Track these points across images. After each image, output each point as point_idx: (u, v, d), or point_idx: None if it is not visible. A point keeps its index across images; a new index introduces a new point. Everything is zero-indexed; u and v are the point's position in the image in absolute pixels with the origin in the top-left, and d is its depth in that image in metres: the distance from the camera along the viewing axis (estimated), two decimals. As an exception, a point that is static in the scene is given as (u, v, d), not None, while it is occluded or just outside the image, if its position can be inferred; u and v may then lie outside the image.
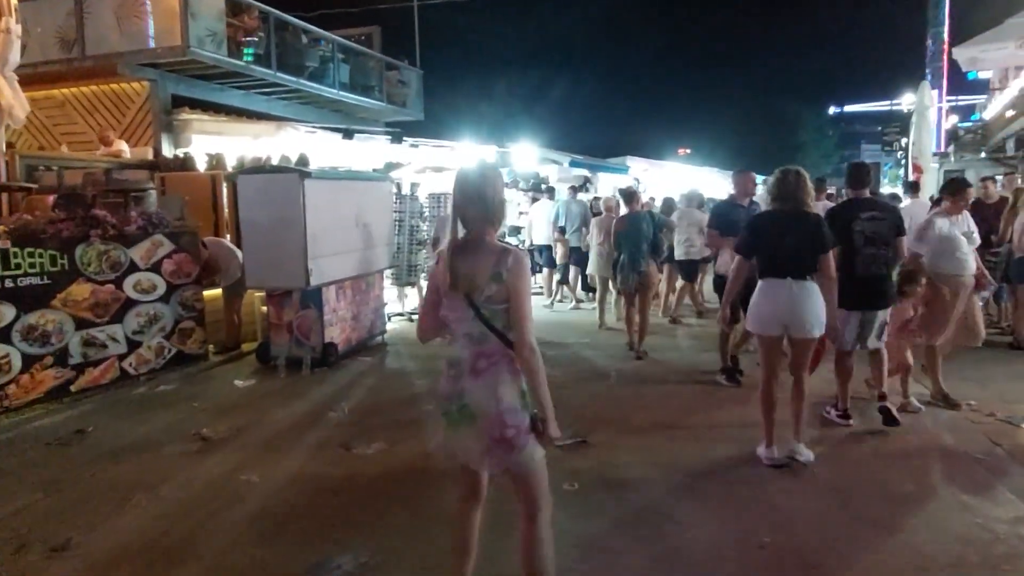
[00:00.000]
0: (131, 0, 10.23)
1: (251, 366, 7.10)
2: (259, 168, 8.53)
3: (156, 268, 6.68)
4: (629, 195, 7.88)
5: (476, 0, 27.57)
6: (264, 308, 7.50)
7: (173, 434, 5.01)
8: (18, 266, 5.47)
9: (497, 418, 2.28)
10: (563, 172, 15.94)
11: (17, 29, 8.27)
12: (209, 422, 5.24)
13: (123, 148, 10.23)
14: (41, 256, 5.65)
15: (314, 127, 11.44)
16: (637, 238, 7.29)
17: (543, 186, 14.00)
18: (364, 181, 8.37)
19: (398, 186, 9.68)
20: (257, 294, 7.71)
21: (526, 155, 14.37)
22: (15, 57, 8.34)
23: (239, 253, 7.38)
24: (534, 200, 12.28)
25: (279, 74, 12.08)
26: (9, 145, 10.11)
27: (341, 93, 13.87)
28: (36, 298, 5.60)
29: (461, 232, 2.40)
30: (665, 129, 48.25)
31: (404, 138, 11.90)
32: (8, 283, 5.40)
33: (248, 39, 11.54)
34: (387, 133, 13.05)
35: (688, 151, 45.12)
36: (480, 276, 2.28)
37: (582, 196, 12.58)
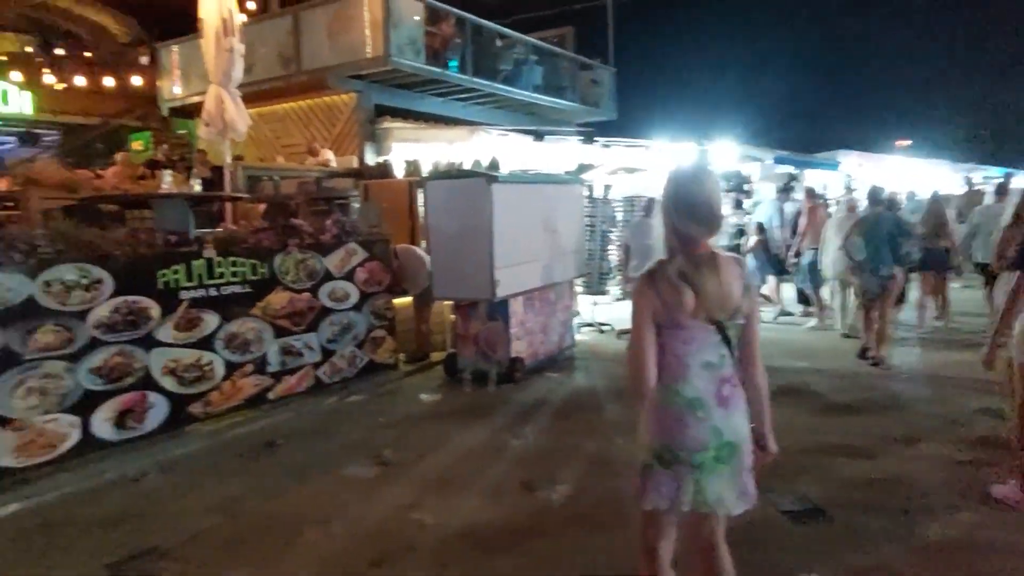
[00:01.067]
0: (339, 15, 10.54)
1: (438, 378, 6.78)
2: (447, 173, 8.28)
3: (349, 277, 6.57)
4: (874, 194, 6.84)
5: (672, -7, 26.18)
6: (452, 317, 7.19)
7: (355, 453, 4.72)
8: (221, 275, 5.52)
9: (748, 444, 2.15)
10: (766, 170, 14.37)
11: (240, 48, 8.69)
12: (391, 442, 4.90)
13: (329, 157, 10.58)
14: (243, 265, 5.67)
15: (506, 130, 11.12)
16: (880, 240, 6.47)
17: (744, 186, 12.61)
18: (555, 184, 7.78)
19: (590, 189, 8.99)
20: (446, 303, 7.43)
21: (726, 152, 13.05)
22: (238, 74, 8.77)
23: (428, 261, 7.11)
24: (737, 203, 10.97)
25: (475, 79, 11.93)
26: (237, 158, 10.87)
27: (534, 95, 13.49)
28: (238, 306, 5.63)
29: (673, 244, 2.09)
30: (879, 118, 42.64)
31: (596, 138, 11.20)
32: (212, 291, 5.46)
33: (447, 46, 11.48)
34: (579, 134, 12.44)
35: (908, 142, 39.53)
36: (733, 293, 2.06)
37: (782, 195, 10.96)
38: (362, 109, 11.09)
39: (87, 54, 19.08)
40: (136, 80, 16.76)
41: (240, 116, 8.82)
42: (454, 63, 11.58)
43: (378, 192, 9.55)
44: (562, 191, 7.65)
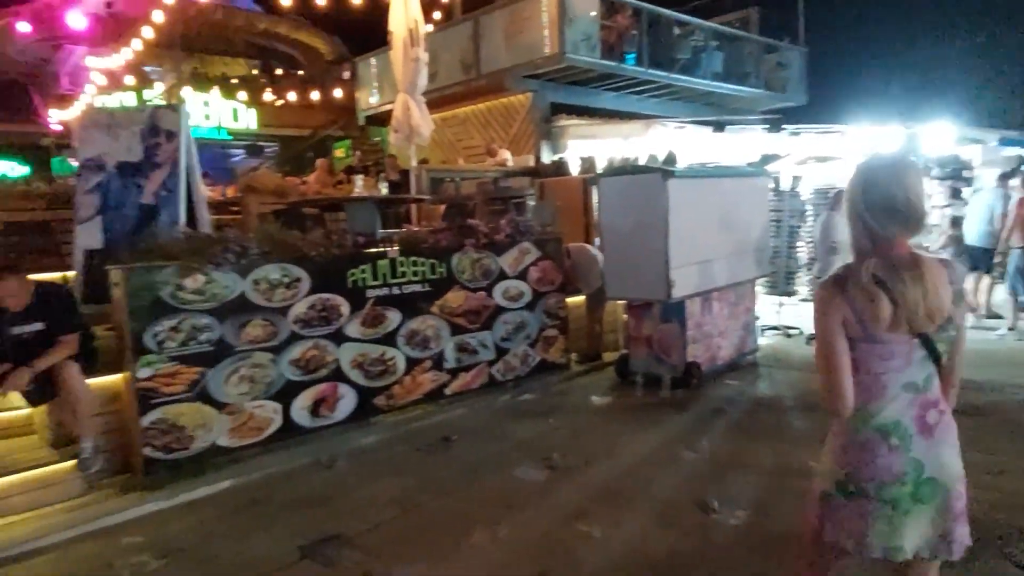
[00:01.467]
0: (516, 16, 10.66)
1: (610, 380, 6.60)
2: (620, 169, 8.02)
3: (523, 276, 6.59)
4: None
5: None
6: (625, 318, 6.96)
7: (525, 454, 4.69)
8: (403, 274, 5.76)
9: (961, 483, 1.84)
10: (989, 153, 12.40)
11: (425, 57, 9.08)
12: (560, 445, 4.82)
13: (507, 157, 10.75)
14: (422, 264, 5.88)
15: (683, 122, 10.62)
16: None
17: (964, 173, 10.97)
18: (736, 177, 7.24)
19: (776, 181, 8.29)
20: (620, 303, 7.22)
21: (940, 135, 11.43)
22: (423, 82, 9.18)
23: (601, 260, 6.94)
24: (954, 192, 9.56)
25: (650, 71, 11.53)
26: (423, 161, 11.44)
27: (713, 83, 12.77)
28: (418, 304, 5.85)
29: (864, 246, 1.83)
30: None
31: (783, 126, 10.34)
32: (395, 290, 5.71)
33: (623, 39, 11.20)
34: (763, 122, 11.59)
35: None
36: (942, 300, 1.77)
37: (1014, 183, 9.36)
38: (537, 108, 11.16)
39: (300, 73, 21.19)
40: (338, 93, 18.27)
41: (424, 121, 9.23)
42: (631, 56, 11.28)
43: (553, 190, 9.54)
44: (744, 184, 7.10)
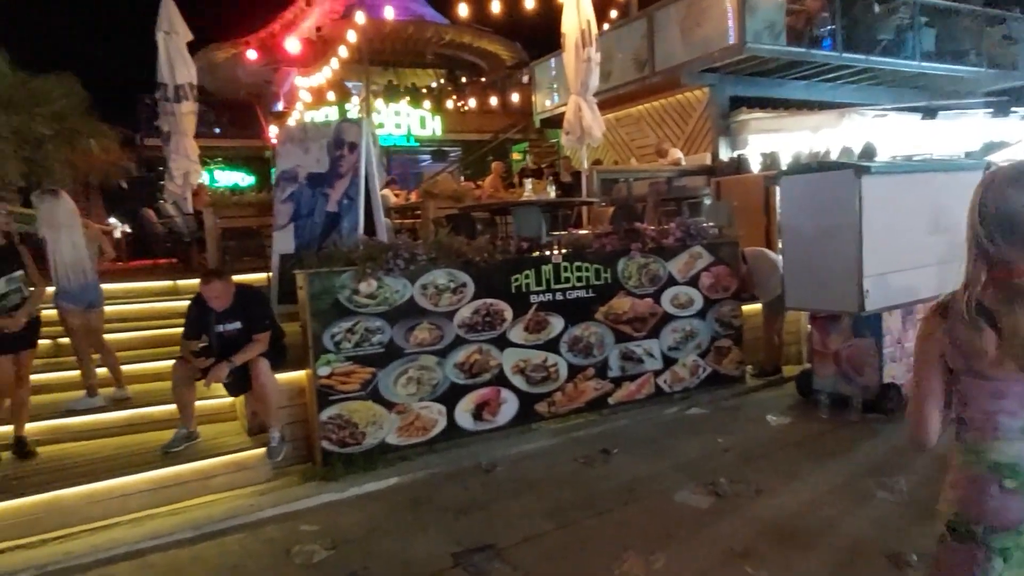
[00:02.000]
0: (692, 8, 10.09)
1: (790, 397, 5.98)
2: (806, 166, 7.24)
3: (693, 282, 6.17)
4: None
5: None
6: (808, 328, 6.28)
7: (689, 475, 4.35)
8: (567, 279, 5.62)
9: None
10: None
11: (597, 57, 8.89)
12: (729, 469, 4.41)
13: (679, 156, 10.24)
14: (587, 270, 5.70)
15: (884, 109, 9.41)
16: None
17: None
18: (949, 171, 6.21)
19: (1001, 174, 7.03)
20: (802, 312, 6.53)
21: None
22: (594, 82, 9.00)
23: (781, 265, 6.31)
24: None
25: (845, 55, 10.34)
26: (596, 162, 11.26)
27: (923, 64, 11.17)
28: (581, 310, 5.68)
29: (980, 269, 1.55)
30: None
31: (1013, 108, 8.78)
32: (559, 296, 5.59)
33: (813, 23, 10.18)
34: (986, 105, 9.95)
35: None
36: None
37: None
38: (715, 103, 10.48)
39: (482, 79, 21.96)
40: (516, 97, 18.66)
41: (596, 122, 9.04)
42: (826, 42, 10.22)
43: (730, 189, 8.90)
44: (960, 180, 6.04)
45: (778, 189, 7.80)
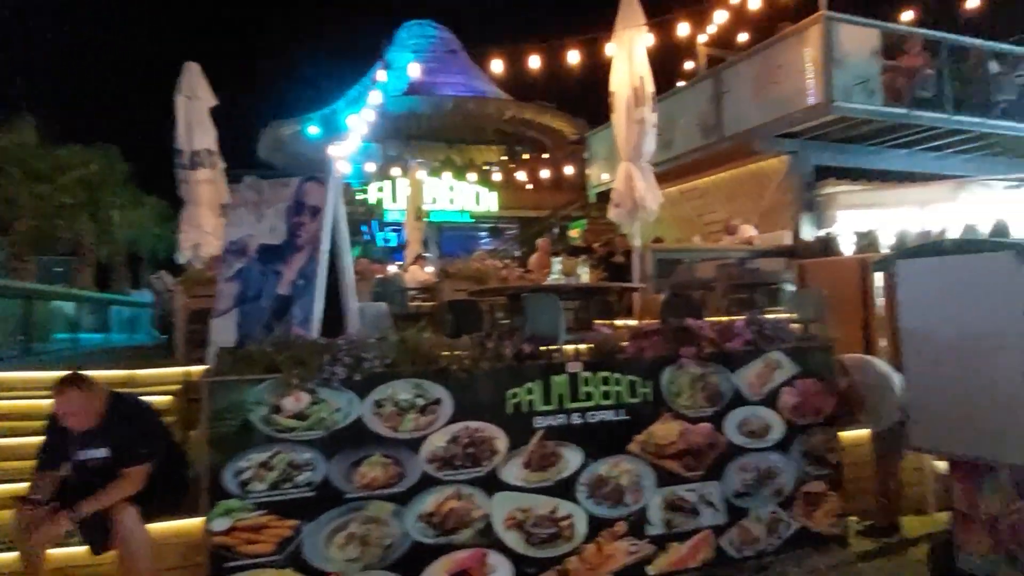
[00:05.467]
0: (766, 65, 8.61)
1: (917, 570, 4.01)
2: (933, 246, 5.38)
3: (771, 401, 4.39)
4: None
5: None
6: (942, 470, 4.37)
7: None
8: (589, 396, 3.98)
9: None
10: None
11: (652, 119, 7.52)
12: None
13: (752, 234, 8.55)
14: (617, 383, 4.04)
15: (1017, 179, 7.49)
16: None
17: None
18: None
19: None
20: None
21: None
22: (649, 147, 7.61)
23: (898, 382, 4.44)
24: None
25: (956, 117, 8.54)
26: (657, 240, 9.67)
27: (1054, 130, 9.21)
28: (609, 440, 4.00)
29: None
30: None
31: None
32: (575, 418, 3.94)
33: (915, 80, 8.48)
34: None
35: None
36: None
37: None
38: (796, 173, 8.82)
39: (545, 155, 21.09)
40: (569, 170, 17.63)
41: (650, 192, 7.57)
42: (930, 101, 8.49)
43: (817, 274, 7.13)
44: None
45: (883, 276, 6.00)
